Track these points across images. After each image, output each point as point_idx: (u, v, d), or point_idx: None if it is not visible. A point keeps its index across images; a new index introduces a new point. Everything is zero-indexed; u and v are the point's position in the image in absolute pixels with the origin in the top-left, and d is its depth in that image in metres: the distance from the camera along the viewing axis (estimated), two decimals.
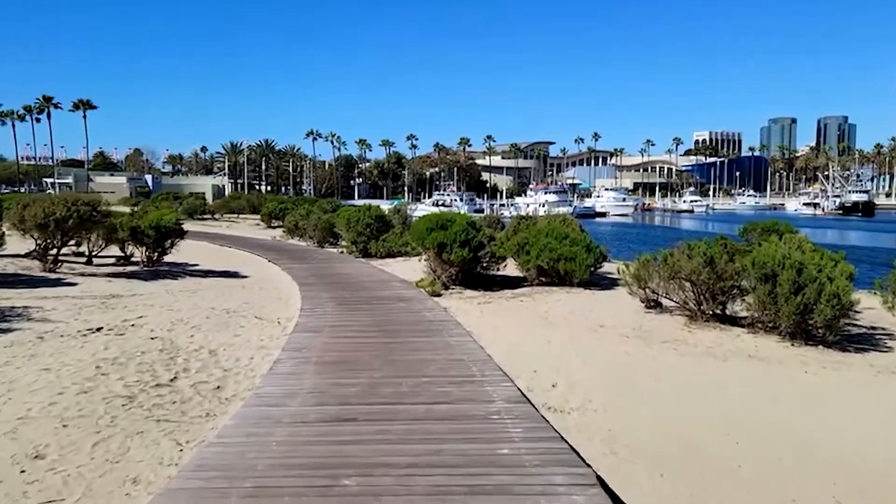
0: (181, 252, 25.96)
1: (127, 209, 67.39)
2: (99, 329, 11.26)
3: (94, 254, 21.19)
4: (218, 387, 8.57)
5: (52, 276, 17.15)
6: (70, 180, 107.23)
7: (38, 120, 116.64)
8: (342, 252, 28.24)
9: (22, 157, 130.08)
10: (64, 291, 14.97)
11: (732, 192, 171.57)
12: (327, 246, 31.39)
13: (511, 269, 20.44)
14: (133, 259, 21.52)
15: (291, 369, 9.15)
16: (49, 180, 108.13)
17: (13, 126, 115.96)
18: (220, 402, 7.98)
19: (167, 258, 22.65)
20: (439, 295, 17.12)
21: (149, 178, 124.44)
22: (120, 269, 20.18)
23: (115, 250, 22.28)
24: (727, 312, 14.66)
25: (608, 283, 19.79)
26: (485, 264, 19.49)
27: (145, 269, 20.27)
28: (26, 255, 19.03)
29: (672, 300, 15.27)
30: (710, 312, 14.53)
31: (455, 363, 9.62)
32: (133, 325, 11.81)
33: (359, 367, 9.27)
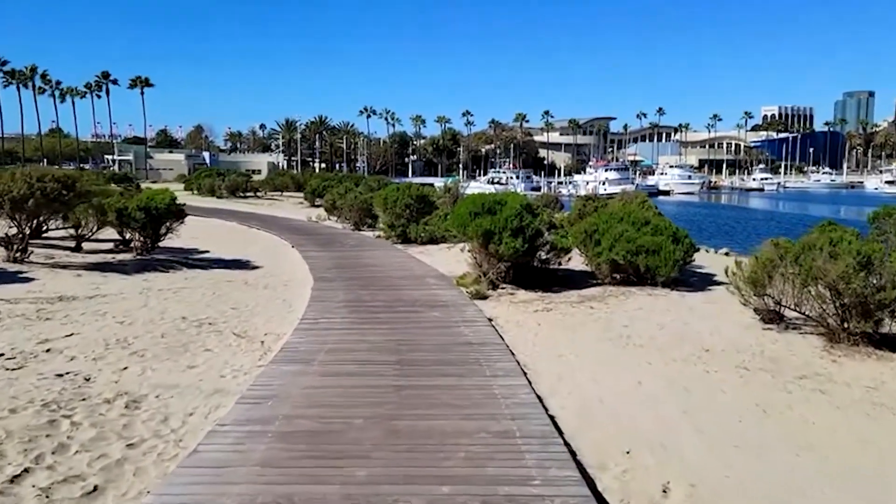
0: (197, 236, 23.01)
1: (181, 186, 66.16)
2: None
3: (85, 238, 18.19)
4: (94, 489, 5.07)
5: (13, 267, 14.07)
6: (130, 157, 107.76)
7: (98, 97, 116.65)
8: (378, 236, 24.72)
9: (92, 135, 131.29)
10: (3, 292, 11.80)
11: (805, 169, 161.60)
12: (365, 228, 27.92)
13: (574, 260, 16.54)
14: (133, 244, 18.40)
15: (226, 455, 5.57)
16: (109, 157, 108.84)
17: (73, 103, 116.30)
18: None
19: (173, 244, 19.61)
20: (485, 297, 13.41)
21: (206, 154, 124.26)
22: (110, 257, 17.09)
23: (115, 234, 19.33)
24: (880, 331, 10.58)
25: (698, 281, 15.76)
26: (543, 256, 15.66)
27: (138, 257, 17.12)
28: None
29: (800, 312, 11.22)
30: (858, 331, 10.45)
31: (499, 440, 5.91)
32: (49, 349, 8.46)
33: (338, 452, 5.64)
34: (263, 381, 7.64)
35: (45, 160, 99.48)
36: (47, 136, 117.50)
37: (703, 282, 15.75)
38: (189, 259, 17.87)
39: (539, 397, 7.32)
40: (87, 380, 7.49)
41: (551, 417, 6.71)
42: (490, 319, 11.43)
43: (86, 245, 18.41)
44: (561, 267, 16.22)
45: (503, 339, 9.99)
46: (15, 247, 14.53)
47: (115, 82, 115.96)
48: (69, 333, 9.21)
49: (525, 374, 8.24)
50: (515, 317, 11.95)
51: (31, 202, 13.85)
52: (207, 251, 19.86)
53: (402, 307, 12.23)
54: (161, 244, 18.80)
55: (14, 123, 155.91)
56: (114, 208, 16.54)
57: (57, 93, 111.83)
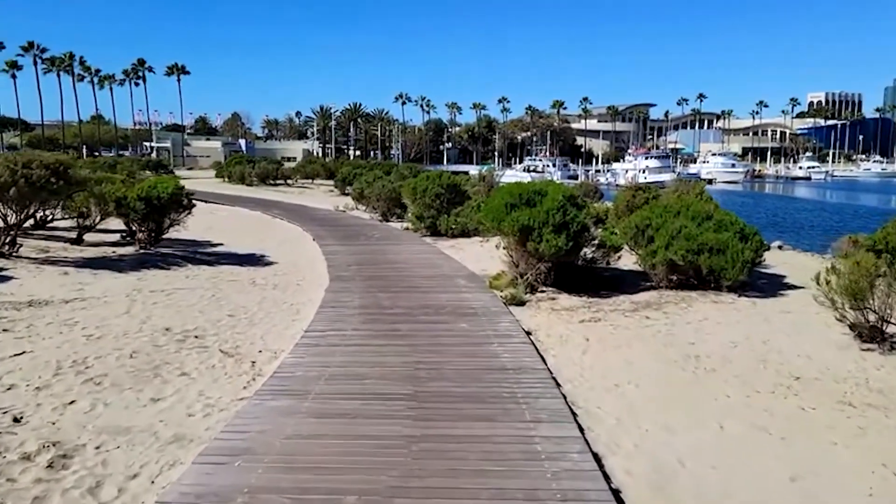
0: (213, 227, 21.70)
1: (213, 173, 65.14)
2: None
3: (89, 228, 16.79)
4: None
5: None
6: (168, 144, 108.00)
7: (136, 84, 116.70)
8: (406, 228, 22.99)
9: (133, 122, 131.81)
10: None
11: (854, 157, 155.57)
12: (393, 219, 26.22)
13: (623, 259, 14.62)
14: (137, 237, 16.95)
15: None
16: (148, 144, 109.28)
17: (111, 90, 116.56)
18: None
19: (186, 235, 18.18)
20: (522, 303, 11.60)
21: (242, 142, 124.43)
22: (110, 251, 15.65)
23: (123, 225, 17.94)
24: None
25: (767, 284, 13.74)
26: (589, 255, 13.79)
27: (141, 251, 15.64)
28: None
29: None
30: None
31: None
32: None
33: None
34: (239, 425, 5.98)
35: (85, 147, 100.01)
36: (87, 124, 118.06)
37: (773, 285, 13.73)
38: (197, 253, 16.37)
39: (596, 455, 5.52)
40: (18, 420, 5.91)
41: (615, 492, 4.91)
42: (528, 333, 9.64)
43: (90, 237, 17.04)
44: (608, 266, 14.33)
45: (545, 363, 8.20)
46: (1, 240, 13.13)
47: (150, 69, 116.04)
48: (19, 352, 7.65)
49: (575, 415, 6.44)
50: (558, 329, 10.13)
51: (12, 191, 12.44)
52: (221, 244, 18.37)
53: (425, 316, 10.49)
54: (170, 236, 17.35)
55: (55, 111, 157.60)
56: (113, 197, 15.08)
57: (96, 80, 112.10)
